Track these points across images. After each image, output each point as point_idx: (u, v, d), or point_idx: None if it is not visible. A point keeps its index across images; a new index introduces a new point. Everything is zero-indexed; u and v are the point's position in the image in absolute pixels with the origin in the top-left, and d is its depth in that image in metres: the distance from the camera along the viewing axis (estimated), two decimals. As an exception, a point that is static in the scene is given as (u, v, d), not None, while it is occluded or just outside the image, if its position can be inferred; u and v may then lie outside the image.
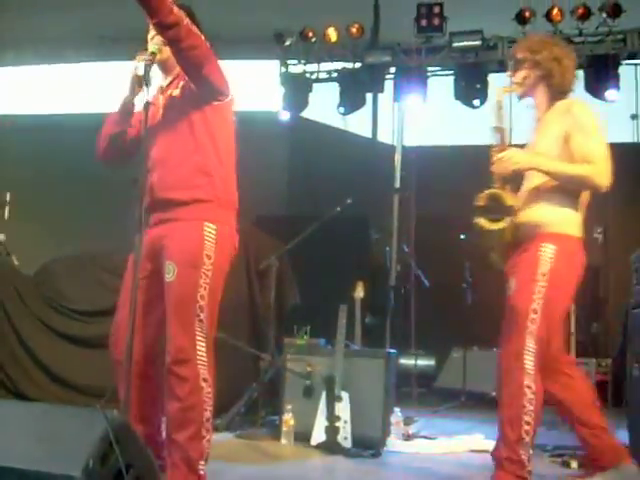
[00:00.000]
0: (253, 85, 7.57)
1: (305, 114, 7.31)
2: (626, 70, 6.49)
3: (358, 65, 6.95)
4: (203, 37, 2.71)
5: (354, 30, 6.73)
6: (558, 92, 3.01)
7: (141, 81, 2.65)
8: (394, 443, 4.07)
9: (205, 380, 2.65)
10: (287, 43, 6.93)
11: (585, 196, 3.04)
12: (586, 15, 6.05)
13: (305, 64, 7.20)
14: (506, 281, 3.02)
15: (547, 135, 2.98)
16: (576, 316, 6.55)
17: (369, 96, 7.20)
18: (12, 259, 5.43)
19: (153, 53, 2.68)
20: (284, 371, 4.26)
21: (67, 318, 5.24)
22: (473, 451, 4.02)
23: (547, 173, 2.91)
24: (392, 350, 4.46)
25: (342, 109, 6.97)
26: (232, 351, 4.77)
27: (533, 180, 3.00)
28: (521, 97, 3.08)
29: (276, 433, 4.15)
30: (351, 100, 6.97)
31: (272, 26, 6.82)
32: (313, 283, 5.01)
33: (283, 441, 4.04)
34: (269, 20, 6.79)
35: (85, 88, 8.19)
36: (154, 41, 2.72)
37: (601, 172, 2.90)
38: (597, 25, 6.17)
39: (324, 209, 4.67)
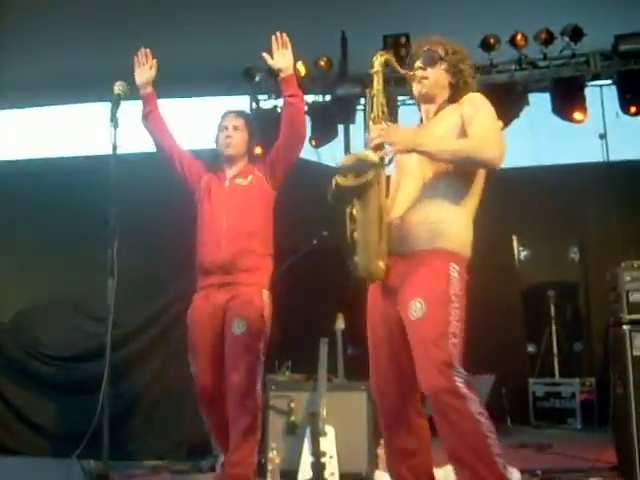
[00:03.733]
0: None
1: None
2: (591, 91, 6.59)
3: (328, 98, 6.99)
4: None
5: (322, 63, 6.78)
6: (452, 99, 2.80)
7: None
8: (382, 476, 4.01)
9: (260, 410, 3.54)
10: (257, 79, 6.95)
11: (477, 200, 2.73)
12: (549, 39, 6.14)
13: (276, 99, 7.22)
14: (392, 299, 2.67)
15: (441, 125, 2.73)
16: (557, 336, 6.58)
17: (341, 128, 7.24)
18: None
19: (118, 95, 2.77)
20: (267, 408, 4.20)
21: (44, 364, 5.17)
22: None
23: (429, 153, 2.60)
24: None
25: (314, 142, 6.99)
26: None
27: (419, 175, 2.70)
28: (420, 95, 2.81)
29: (262, 472, 4.08)
30: (323, 132, 6.99)
31: (241, 62, 6.85)
32: (293, 318, 4.96)
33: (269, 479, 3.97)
34: (238, 56, 6.82)
35: (55, 132, 8.16)
36: (118, 84, 2.86)
37: (491, 146, 2.58)
38: (561, 49, 6.27)
39: (300, 243, 4.65)
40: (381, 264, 2.62)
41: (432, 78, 2.77)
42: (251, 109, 7.14)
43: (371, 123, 2.64)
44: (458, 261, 2.64)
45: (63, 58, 6.69)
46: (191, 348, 3.58)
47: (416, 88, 2.82)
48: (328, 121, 6.98)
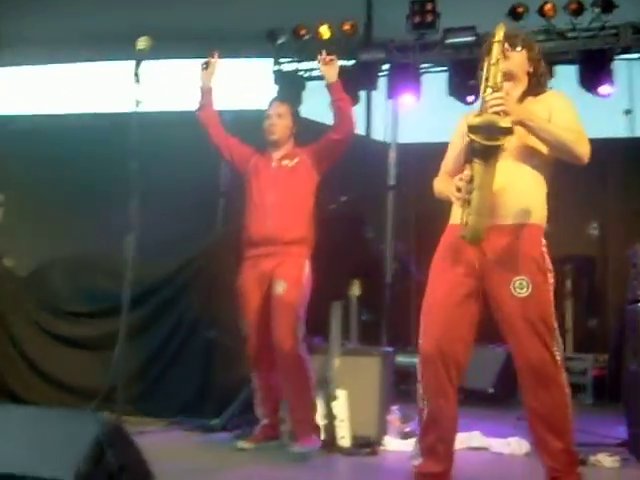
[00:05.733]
0: (247, 84, 7.53)
1: (300, 112, 7.28)
2: (619, 65, 6.46)
3: (351, 63, 6.92)
4: None
5: (347, 27, 6.70)
6: (534, 90, 2.95)
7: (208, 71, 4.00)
8: (391, 441, 4.05)
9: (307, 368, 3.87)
10: (280, 41, 6.89)
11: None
12: (579, 10, 6.02)
13: (298, 62, 7.16)
14: (477, 268, 2.80)
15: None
16: (572, 311, 6.56)
17: (363, 94, 7.18)
18: (6, 261, 5.40)
19: (142, 51, 2.78)
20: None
21: (61, 320, 5.23)
22: (471, 448, 4.00)
23: (534, 129, 2.74)
24: (389, 348, 4.44)
25: (336, 107, 6.94)
26: (228, 352, 4.75)
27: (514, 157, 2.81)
28: (505, 72, 2.82)
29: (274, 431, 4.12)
30: (345, 98, 6.94)
31: (265, 24, 6.80)
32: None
33: (281, 440, 4.02)
34: (262, 18, 6.77)
35: (78, 89, 8.16)
36: (141, 40, 2.89)
37: (585, 142, 2.79)
38: (590, 20, 6.15)
39: (318, 207, 4.64)
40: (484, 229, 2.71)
41: (517, 59, 2.90)
42: (274, 71, 7.10)
43: (490, 90, 2.70)
44: (544, 236, 2.84)
45: (88, 15, 6.67)
46: (243, 312, 3.98)
47: (503, 65, 2.81)
48: (350, 86, 6.91)
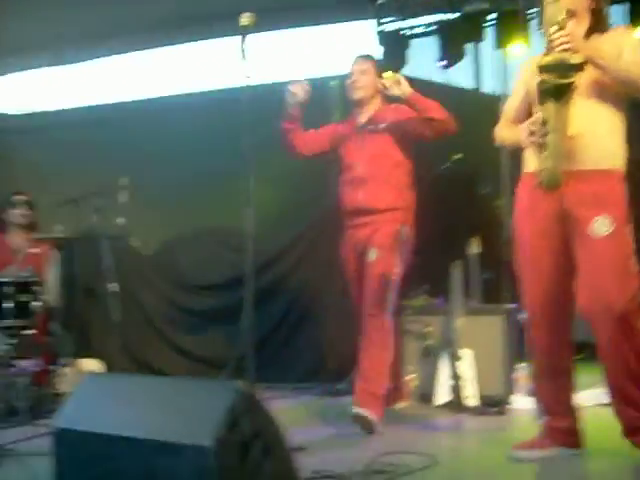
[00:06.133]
0: (352, 47, 7.48)
1: (405, 72, 7.16)
2: None
3: (456, 15, 6.73)
4: None
5: (450, -20, 6.51)
6: (598, 27, 2.81)
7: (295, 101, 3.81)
8: (519, 399, 4.00)
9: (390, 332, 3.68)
10: (380, 1, 6.78)
11: None
12: None
13: (402, 19, 7.02)
14: (559, 214, 2.74)
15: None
16: None
17: (469, 46, 6.97)
18: (133, 242, 5.65)
19: (246, 27, 2.84)
20: (403, 333, 4.25)
21: (187, 293, 5.44)
22: (600, 405, 3.89)
23: (602, 66, 2.63)
24: (511, 305, 4.36)
25: (443, 62, 6.78)
26: (346, 318, 4.80)
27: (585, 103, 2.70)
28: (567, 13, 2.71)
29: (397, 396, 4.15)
30: (451, 52, 6.77)
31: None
32: (426, 241, 4.96)
33: (407, 402, 4.05)
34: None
35: (188, 69, 8.35)
36: (245, 16, 2.95)
37: None
38: None
39: (432, 166, 4.58)
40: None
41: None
42: (377, 32, 7.00)
43: (554, 28, 2.62)
44: (624, 181, 2.75)
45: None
46: (347, 282, 3.96)
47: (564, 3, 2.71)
48: (456, 40, 6.74)
